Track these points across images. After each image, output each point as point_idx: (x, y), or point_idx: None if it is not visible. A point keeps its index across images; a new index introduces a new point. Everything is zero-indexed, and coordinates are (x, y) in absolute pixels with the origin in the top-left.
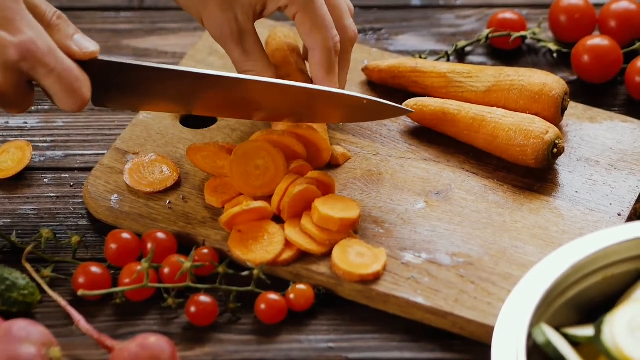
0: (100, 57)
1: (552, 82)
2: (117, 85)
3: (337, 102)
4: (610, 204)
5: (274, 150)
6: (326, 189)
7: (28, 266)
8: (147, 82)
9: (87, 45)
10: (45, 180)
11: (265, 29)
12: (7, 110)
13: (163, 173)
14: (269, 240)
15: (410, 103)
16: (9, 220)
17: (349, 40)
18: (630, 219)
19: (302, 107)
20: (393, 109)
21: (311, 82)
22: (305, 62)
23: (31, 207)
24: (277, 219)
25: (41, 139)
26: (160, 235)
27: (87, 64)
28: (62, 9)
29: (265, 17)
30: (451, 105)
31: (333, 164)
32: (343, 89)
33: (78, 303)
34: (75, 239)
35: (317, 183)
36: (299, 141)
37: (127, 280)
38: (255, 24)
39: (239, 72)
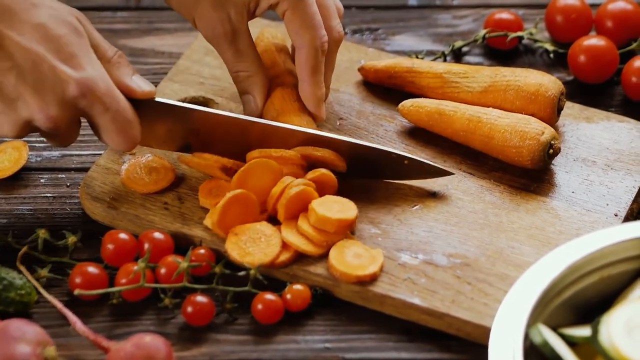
0: (157, 99)
1: (548, 83)
2: (165, 127)
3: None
4: (607, 204)
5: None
6: (327, 188)
7: (23, 268)
8: (192, 125)
9: (145, 86)
10: (41, 180)
11: (258, 28)
12: (51, 142)
13: (159, 174)
14: (266, 243)
15: (407, 104)
16: (5, 221)
17: (334, 41)
18: (627, 219)
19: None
20: (435, 170)
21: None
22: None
23: (27, 208)
24: (272, 221)
25: (38, 139)
26: (157, 235)
27: (139, 106)
28: None
29: (257, 16)
30: (447, 107)
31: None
32: (328, 89)
33: (74, 303)
34: (71, 239)
35: (317, 181)
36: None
37: (123, 281)
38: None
39: (231, 73)
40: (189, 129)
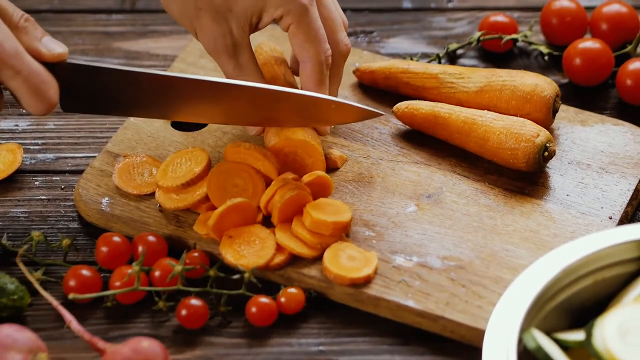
0: (70, 61)
1: (543, 83)
2: (87, 89)
3: (302, 104)
4: (602, 207)
5: (257, 176)
6: (322, 190)
7: (22, 266)
8: (116, 86)
9: (55, 47)
10: (36, 183)
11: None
12: None
13: (152, 175)
14: (261, 245)
15: (402, 106)
16: None
17: (340, 54)
18: (622, 222)
19: (270, 111)
20: (363, 112)
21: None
22: (296, 76)
23: (22, 210)
24: (266, 223)
25: (32, 141)
26: (151, 238)
27: (56, 68)
28: (54, 11)
29: (260, 30)
30: (442, 109)
31: (330, 167)
32: None
33: (69, 306)
34: (65, 241)
35: (312, 185)
36: (291, 154)
37: (117, 284)
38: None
39: None
40: (110, 90)
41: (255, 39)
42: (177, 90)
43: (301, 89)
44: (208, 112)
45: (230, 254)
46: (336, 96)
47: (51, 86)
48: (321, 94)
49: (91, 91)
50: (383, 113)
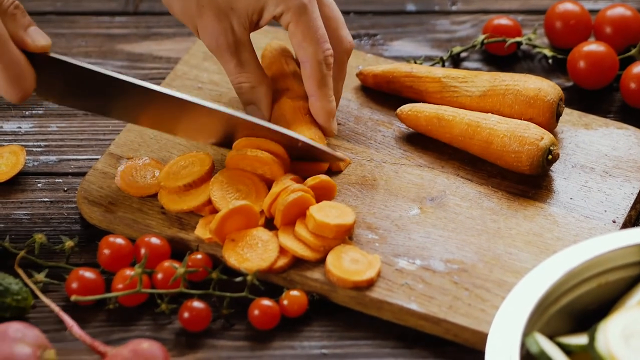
0: (52, 54)
1: (547, 87)
2: (63, 83)
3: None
4: (605, 211)
5: (260, 183)
6: (326, 194)
7: (21, 272)
8: (92, 86)
9: (40, 39)
10: (38, 185)
11: (265, 37)
12: None
13: (155, 178)
14: (264, 248)
15: (405, 109)
16: (2, 225)
17: (344, 51)
18: (625, 225)
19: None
20: (325, 154)
21: None
22: None
23: (25, 212)
24: (268, 226)
25: (35, 143)
26: (154, 240)
27: (36, 58)
28: (57, 13)
29: (260, 28)
30: (446, 112)
31: (334, 170)
32: (339, 100)
33: (71, 308)
34: (68, 244)
35: (316, 188)
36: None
37: (120, 286)
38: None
39: (233, 84)
40: (84, 88)
41: (259, 41)
42: (142, 97)
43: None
44: (168, 123)
45: (234, 258)
46: (341, 94)
47: (29, 77)
48: (290, 132)
49: (67, 85)
50: (344, 158)
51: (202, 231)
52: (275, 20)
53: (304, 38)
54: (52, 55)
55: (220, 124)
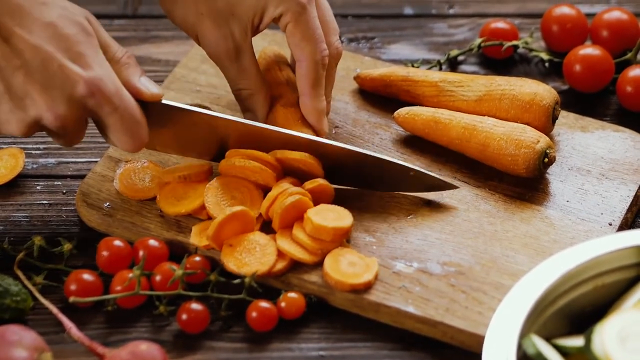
0: (164, 101)
1: (543, 92)
2: (170, 128)
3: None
4: (602, 214)
5: (255, 191)
6: (324, 197)
7: (20, 273)
8: (197, 128)
9: (153, 88)
10: (37, 187)
11: (263, 40)
12: (57, 142)
13: (153, 180)
14: (262, 252)
15: (402, 112)
16: (1, 228)
17: (333, 57)
18: (622, 228)
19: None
20: (439, 183)
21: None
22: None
23: (23, 215)
24: (265, 230)
25: (34, 146)
26: (152, 242)
27: (148, 107)
28: None
29: (262, 31)
30: (442, 115)
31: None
32: (328, 104)
33: (70, 310)
34: (67, 246)
35: (314, 191)
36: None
37: (118, 288)
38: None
39: (233, 90)
40: (191, 133)
41: (255, 44)
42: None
43: (298, 90)
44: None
45: (232, 262)
46: (330, 99)
47: (143, 126)
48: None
49: (176, 132)
50: (459, 186)
51: (198, 238)
52: (274, 23)
53: (302, 37)
54: (165, 102)
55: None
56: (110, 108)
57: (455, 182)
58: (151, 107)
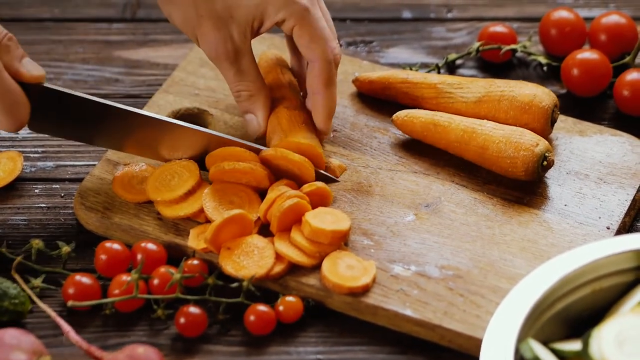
0: (46, 85)
1: (542, 94)
2: (56, 114)
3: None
4: (599, 218)
5: (254, 195)
6: (321, 200)
7: (17, 277)
8: (85, 115)
9: (34, 70)
10: (36, 190)
11: (261, 44)
12: None
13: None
14: (260, 255)
15: (401, 115)
16: None
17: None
18: (619, 232)
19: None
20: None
21: (302, 99)
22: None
23: (22, 218)
24: (263, 233)
25: (32, 149)
26: (150, 246)
27: (31, 89)
28: (55, 20)
29: (261, 35)
30: (441, 118)
31: (330, 176)
32: (334, 107)
33: (68, 313)
34: (65, 249)
35: (312, 195)
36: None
37: (116, 291)
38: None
39: (232, 92)
40: (82, 119)
41: (254, 48)
42: (136, 126)
43: (308, 89)
44: (167, 150)
45: (230, 266)
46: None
47: (24, 107)
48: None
49: (60, 116)
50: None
51: (196, 242)
52: (277, 27)
53: (311, 39)
54: (46, 85)
55: (203, 143)
56: None
57: (453, 186)
58: (34, 90)
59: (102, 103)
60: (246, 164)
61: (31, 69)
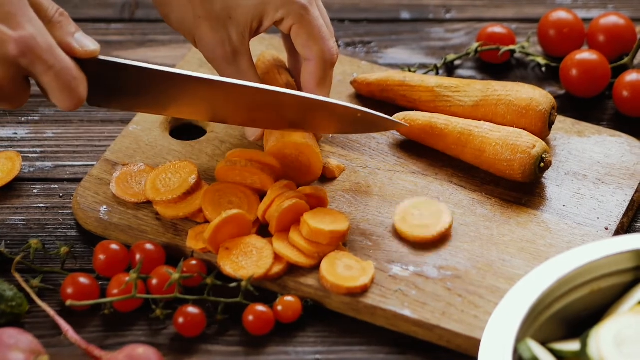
0: (101, 57)
1: (539, 97)
2: (114, 85)
3: (331, 113)
4: (598, 218)
5: (253, 196)
6: (318, 203)
7: (17, 276)
8: (142, 83)
9: (88, 44)
10: (34, 191)
11: (260, 44)
12: (1, 105)
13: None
14: (258, 255)
15: (399, 117)
16: None
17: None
18: (618, 233)
19: (295, 117)
20: (386, 122)
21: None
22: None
23: (20, 218)
24: (261, 233)
25: (31, 149)
26: (149, 246)
27: (85, 63)
28: None
29: (260, 34)
30: (439, 120)
31: (328, 177)
32: None
33: (66, 313)
34: (63, 249)
35: (309, 197)
36: (290, 157)
37: (115, 291)
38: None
39: None
40: (140, 89)
41: (254, 48)
42: (191, 88)
43: (302, 88)
44: (234, 115)
45: (229, 266)
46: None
47: (81, 82)
48: (350, 104)
49: (117, 87)
50: (406, 124)
51: (194, 242)
52: (275, 26)
53: (309, 38)
54: (101, 57)
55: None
56: (44, 67)
57: (452, 187)
58: (90, 64)
59: (163, 71)
60: (256, 165)
61: (85, 43)
